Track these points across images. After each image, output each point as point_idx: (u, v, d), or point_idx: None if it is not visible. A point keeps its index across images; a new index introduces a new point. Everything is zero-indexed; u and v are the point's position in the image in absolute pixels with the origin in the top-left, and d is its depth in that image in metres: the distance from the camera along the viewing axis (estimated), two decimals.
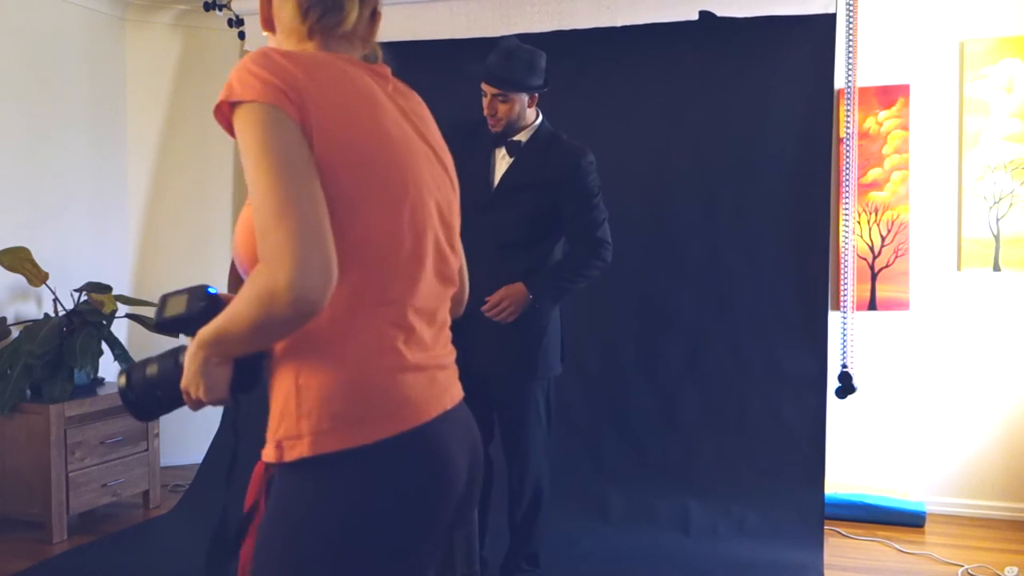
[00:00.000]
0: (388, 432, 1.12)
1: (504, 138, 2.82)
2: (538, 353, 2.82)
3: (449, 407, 1.22)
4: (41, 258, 3.82)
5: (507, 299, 2.76)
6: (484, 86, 2.76)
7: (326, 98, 1.12)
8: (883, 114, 3.88)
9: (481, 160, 2.84)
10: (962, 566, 3.24)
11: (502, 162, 2.84)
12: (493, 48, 2.76)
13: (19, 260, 3.72)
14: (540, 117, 2.85)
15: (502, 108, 2.76)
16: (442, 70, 2.87)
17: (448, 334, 1.30)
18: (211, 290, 1.23)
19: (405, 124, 1.24)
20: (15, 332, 3.74)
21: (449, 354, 1.29)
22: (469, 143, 2.82)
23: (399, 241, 1.17)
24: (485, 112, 2.79)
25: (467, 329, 2.81)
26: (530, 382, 2.83)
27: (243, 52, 4.55)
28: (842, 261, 3.82)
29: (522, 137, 2.82)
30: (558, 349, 2.90)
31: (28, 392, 3.57)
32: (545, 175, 2.78)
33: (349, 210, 1.11)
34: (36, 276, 3.74)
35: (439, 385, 1.22)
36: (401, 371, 1.16)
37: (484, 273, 2.82)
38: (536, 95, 2.79)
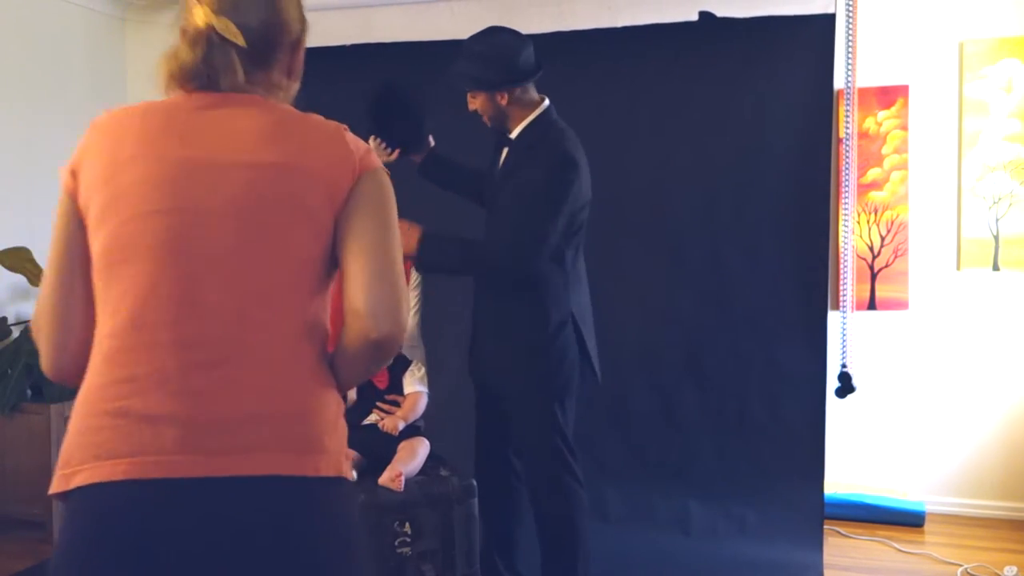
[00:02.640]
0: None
1: (505, 134, 2.66)
2: (552, 366, 2.58)
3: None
4: (41, 258, 3.82)
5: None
6: None
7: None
8: (882, 114, 3.89)
9: (493, 157, 2.72)
10: (961, 565, 3.24)
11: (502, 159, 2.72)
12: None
13: (20, 260, 3.72)
14: (539, 111, 2.59)
15: (472, 103, 2.61)
16: (443, 71, 2.86)
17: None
18: None
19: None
20: (15, 332, 3.75)
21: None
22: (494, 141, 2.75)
23: None
24: None
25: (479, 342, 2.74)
26: (546, 400, 2.59)
27: None
28: (841, 261, 3.82)
29: (514, 133, 2.62)
30: (575, 362, 2.63)
31: (29, 392, 3.57)
32: (512, 192, 2.54)
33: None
34: (37, 276, 3.74)
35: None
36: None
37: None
38: (502, 93, 2.54)
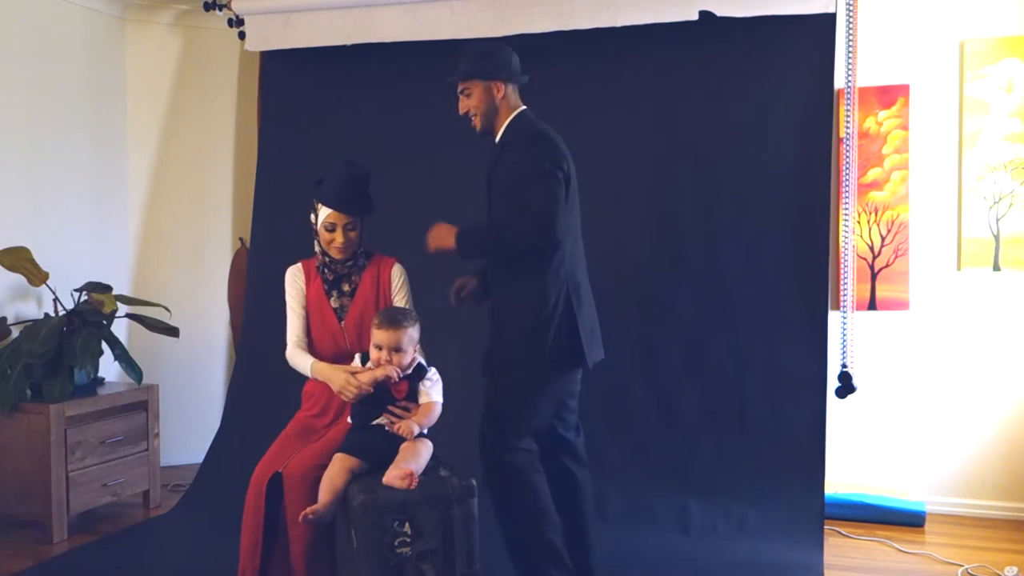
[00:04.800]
0: None
1: (492, 136, 2.74)
2: (541, 350, 2.64)
3: None
4: (41, 258, 3.82)
5: (437, 237, 2.68)
6: None
7: None
8: (883, 114, 3.88)
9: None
10: (962, 566, 3.24)
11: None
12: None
13: (19, 260, 3.72)
14: (516, 112, 2.71)
15: (465, 104, 2.71)
16: (443, 71, 2.86)
17: None
18: None
19: None
20: (15, 332, 3.74)
21: None
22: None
23: None
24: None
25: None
26: (521, 386, 2.69)
27: (243, 52, 4.56)
28: (842, 261, 3.82)
29: (498, 135, 2.72)
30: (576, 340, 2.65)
31: (28, 392, 3.56)
32: (507, 180, 2.64)
33: None
34: (36, 276, 3.74)
35: None
36: None
37: (493, 288, 2.76)
38: (499, 84, 2.67)
